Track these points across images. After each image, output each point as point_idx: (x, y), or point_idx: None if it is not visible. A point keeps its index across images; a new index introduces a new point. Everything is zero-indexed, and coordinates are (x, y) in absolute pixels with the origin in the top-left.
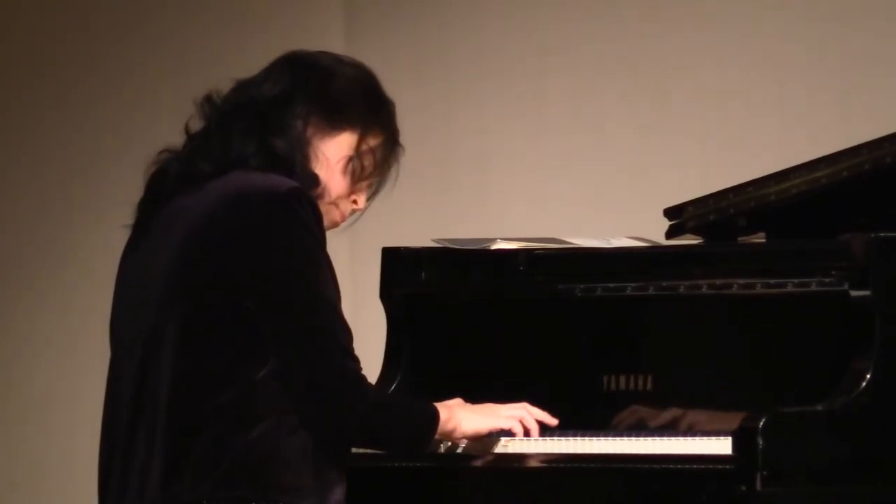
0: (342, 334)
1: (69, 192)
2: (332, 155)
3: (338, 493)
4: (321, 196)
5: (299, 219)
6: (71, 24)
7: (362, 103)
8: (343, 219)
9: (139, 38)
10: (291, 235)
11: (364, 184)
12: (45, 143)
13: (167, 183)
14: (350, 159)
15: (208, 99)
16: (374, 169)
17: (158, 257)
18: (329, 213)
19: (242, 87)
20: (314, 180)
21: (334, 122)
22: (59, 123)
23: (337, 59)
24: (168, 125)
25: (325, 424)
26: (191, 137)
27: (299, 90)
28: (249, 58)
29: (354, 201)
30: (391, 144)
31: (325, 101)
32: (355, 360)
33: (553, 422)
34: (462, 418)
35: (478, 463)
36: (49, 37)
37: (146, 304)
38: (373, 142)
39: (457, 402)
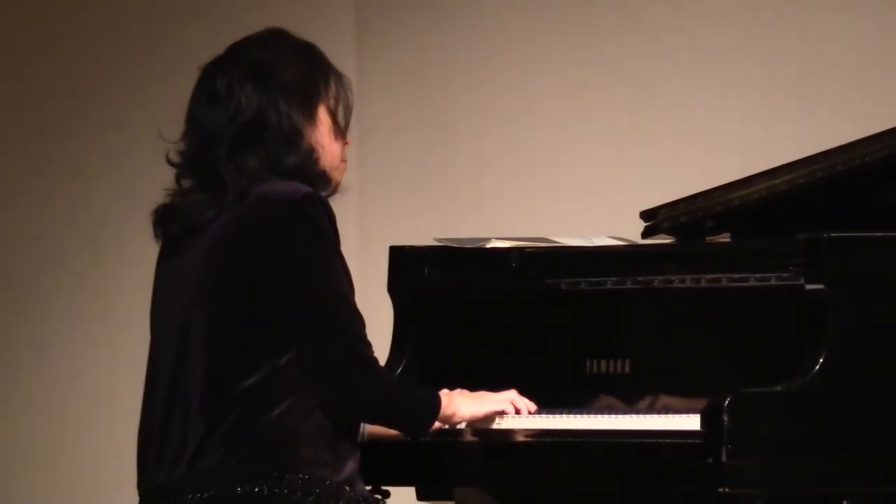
0: (355, 323)
1: (92, 195)
2: (323, 136)
3: (350, 465)
4: (333, 183)
5: (314, 222)
6: (79, 26)
7: (309, 71)
8: (345, 161)
9: (147, 37)
10: (306, 238)
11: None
12: (63, 146)
13: (191, 217)
14: (332, 125)
15: (194, 137)
16: (346, 113)
17: (191, 259)
18: (338, 172)
19: (207, 110)
20: (326, 179)
21: (309, 108)
22: (72, 127)
23: (261, 45)
24: (177, 126)
25: (343, 405)
26: (188, 169)
27: (273, 97)
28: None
29: (345, 144)
30: (340, 81)
31: (294, 93)
32: (368, 345)
33: (533, 407)
34: (460, 404)
35: (473, 437)
36: (59, 38)
37: (180, 300)
38: (333, 95)
39: (457, 391)
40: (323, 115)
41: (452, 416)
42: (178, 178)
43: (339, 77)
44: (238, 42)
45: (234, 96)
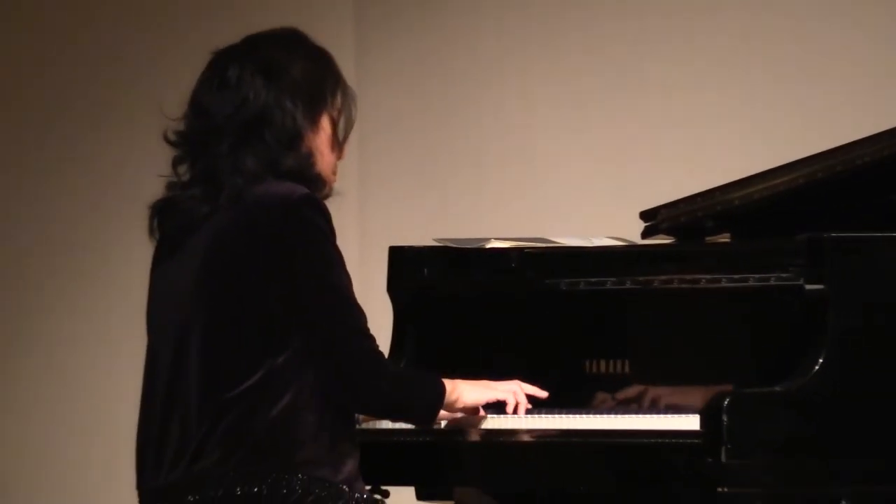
0: (357, 318)
1: (89, 193)
2: (322, 143)
3: (350, 464)
4: (328, 186)
5: (312, 223)
6: (85, 23)
7: (320, 77)
8: (336, 174)
9: (152, 36)
10: (305, 239)
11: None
12: (59, 145)
13: (187, 215)
14: (332, 136)
15: (197, 123)
16: (346, 127)
17: (187, 258)
18: (329, 182)
19: (214, 96)
20: (321, 183)
21: (314, 113)
22: (68, 125)
23: (277, 42)
24: (177, 111)
25: (351, 401)
26: (186, 153)
27: (281, 95)
28: None
29: (340, 158)
30: (346, 94)
31: (302, 96)
32: (371, 339)
33: (543, 394)
34: (463, 390)
35: (473, 437)
36: (60, 36)
37: (177, 302)
38: (338, 107)
39: (458, 380)
40: (325, 123)
41: (456, 402)
42: (174, 163)
43: (347, 90)
44: (254, 35)
45: (243, 87)
